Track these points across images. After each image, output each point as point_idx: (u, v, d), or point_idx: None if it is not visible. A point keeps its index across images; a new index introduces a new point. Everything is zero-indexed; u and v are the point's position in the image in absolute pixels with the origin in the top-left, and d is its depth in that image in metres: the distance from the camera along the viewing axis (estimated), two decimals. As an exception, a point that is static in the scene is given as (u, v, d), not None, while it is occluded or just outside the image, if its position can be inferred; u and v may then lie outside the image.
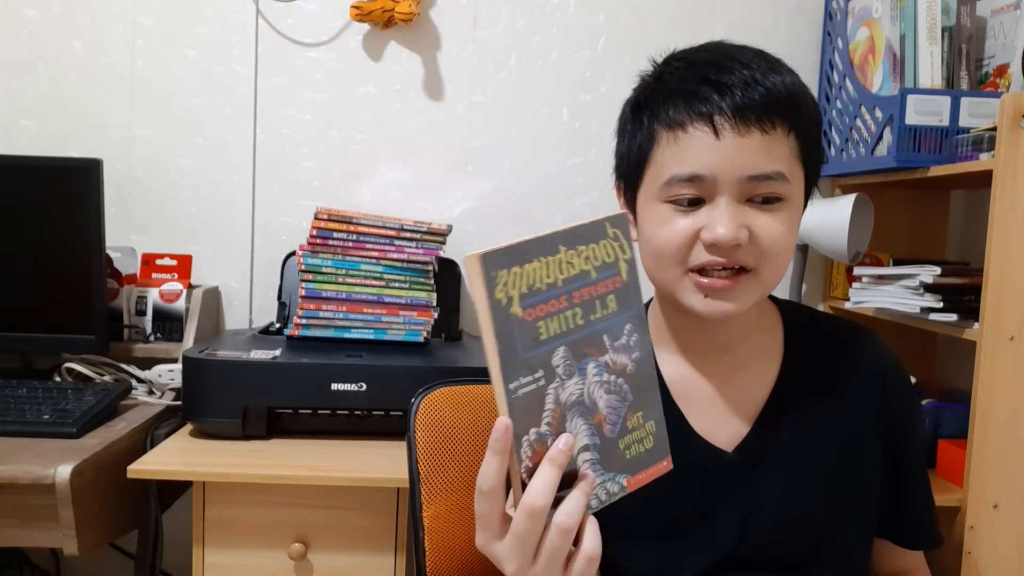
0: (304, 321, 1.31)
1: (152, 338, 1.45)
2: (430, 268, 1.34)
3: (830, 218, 1.31)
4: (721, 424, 0.78)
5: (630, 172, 0.76)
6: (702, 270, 0.71)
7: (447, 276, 1.51)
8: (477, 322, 0.52)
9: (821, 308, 1.61)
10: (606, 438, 0.57)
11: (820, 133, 0.76)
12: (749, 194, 0.70)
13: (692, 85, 0.70)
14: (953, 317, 1.17)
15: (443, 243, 1.36)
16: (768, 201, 0.70)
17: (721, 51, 0.73)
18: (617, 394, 0.58)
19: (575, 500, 0.55)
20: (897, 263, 1.38)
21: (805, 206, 0.77)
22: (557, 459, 0.54)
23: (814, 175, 0.76)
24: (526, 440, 0.53)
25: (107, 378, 1.37)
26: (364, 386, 1.18)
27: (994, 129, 1.09)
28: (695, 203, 0.71)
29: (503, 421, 0.53)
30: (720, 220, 0.69)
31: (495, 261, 0.51)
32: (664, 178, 0.71)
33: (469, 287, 0.52)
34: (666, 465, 0.62)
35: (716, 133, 0.68)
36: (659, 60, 0.77)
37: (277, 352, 1.22)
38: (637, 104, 0.76)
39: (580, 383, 0.56)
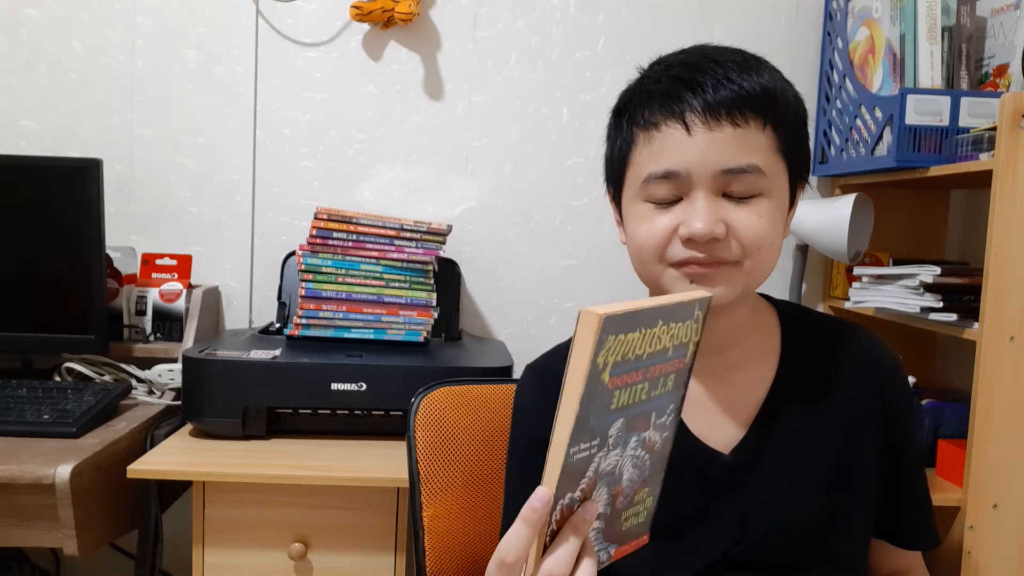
0: (304, 321, 1.31)
1: (152, 338, 1.45)
2: (430, 268, 1.34)
3: (830, 218, 1.31)
4: (718, 426, 0.78)
5: (614, 175, 0.79)
6: (682, 264, 0.72)
7: (447, 276, 1.51)
8: (564, 380, 0.49)
9: (821, 308, 1.61)
10: (615, 509, 0.57)
11: (804, 128, 0.76)
12: (725, 188, 0.71)
13: (667, 86, 0.72)
14: (953, 317, 1.17)
15: (443, 243, 1.36)
16: (746, 195, 0.71)
17: (700, 53, 0.74)
18: (639, 469, 0.57)
19: (588, 571, 0.53)
20: (897, 263, 1.38)
21: (794, 201, 0.78)
22: (582, 527, 0.53)
23: (800, 170, 0.76)
24: (560, 504, 0.52)
25: (107, 378, 1.37)
26: (364, 386, 1.18)
27: (994, 129, 1.09)
28: (673, 200, 0.72)
29: (545, 493, 0.50)
30: (696, 215, 0.70)
31: (613, 325, 0.48)
32: (642, 177, 0.73)
33: (574, 342, 0.49)
34: (645, 539, 0.61)
35: (688, 130, 0.70)
36: (645, 67, 0.78)
37: (277, 352, 1.22)
38: (619, 109, 0.78)
39: (619, 455, 0.55)
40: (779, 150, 0.72)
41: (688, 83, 0.70)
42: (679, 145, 0.70)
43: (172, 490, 1.30)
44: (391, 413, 1.21)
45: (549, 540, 0.53)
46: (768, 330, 0.82)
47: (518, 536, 0.52)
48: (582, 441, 0.51)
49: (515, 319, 1.62)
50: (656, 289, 0.76)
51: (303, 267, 1.31)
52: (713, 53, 0.73)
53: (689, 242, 0.71)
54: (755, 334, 0.81)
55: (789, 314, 0.84)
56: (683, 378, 0.59)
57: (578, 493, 0.53)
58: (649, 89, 0.73)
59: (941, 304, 1.18)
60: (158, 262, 1.51)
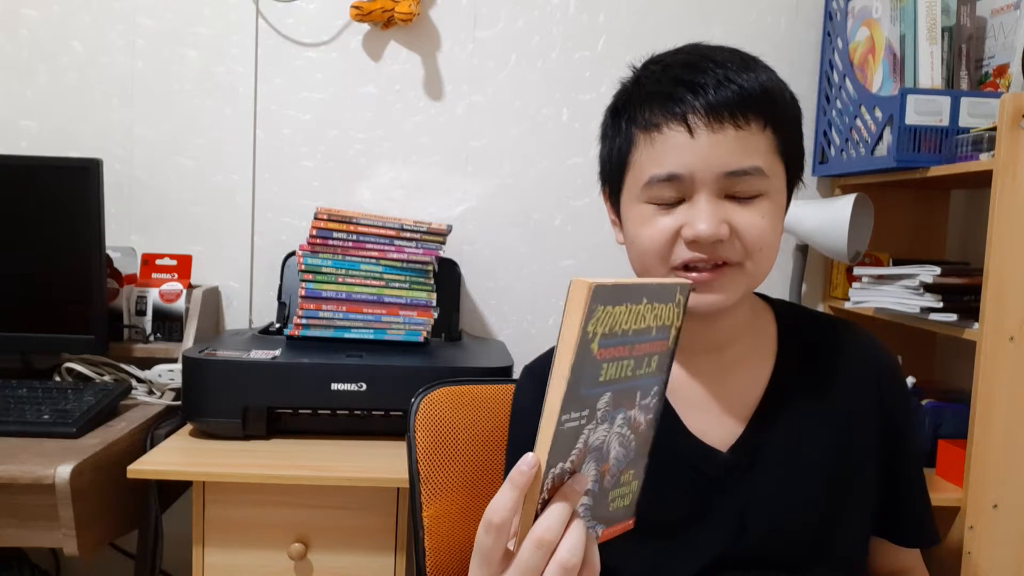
0: (304, 321, 1.31)
1: (152, 338, 1.45)
2: (430, 268, 1.34)
3: (830, 218, 1.31)
4: (716, 424, 0.78)
5: (612, 176, 0.78)
6: (686, 267, 0.72)
7: (447, 276, 1.51)
8: (555, 349, 0.51)
9: (821, 308, 1.61)
10: (603, 488, 0.58)
11: (799, 127, 0.77)
12: (728, 190, 0.71)
13: (667, 87, 0.71)
14: (953, 317, 1.17)
15: (443, 243, 1.36)
16: (748, 196, 0.71)
17: (697, 52, 0.74)
18: (625, 448, 0.59)
19: (577, 536, 0.54)
20: (897, 263, 1.38)
21: (789, 200, 0.78)
22: (572, 497, 0.54)
23: (796, 169, 0.77)
24: (552, 473, 0.53)
25: (107, 378, 1.37)
26: (364, 386, 1.18)
27: (994, 129, 1.09)
28: (676, 202, 0.72)
29: (533, 457, 0.52)
30: (699, 216, 0.70)
31: (602, 295, 0.51)
32: (643, 179, 0.72)
33: (565, 311, 0.51)
34: (631, 524, 0.63)
35: (690, 132, 0.70)
36: (639, 65, 0.78)
37: (277, 352, 1.22)
38: (616, 109, 0.77)
39: (607, 430, 0.56)
40: (778, 151, 0.73)
41: (689, 84, 0.70)
42: (682, 147, 0.70)
43: (172, 490, 1.30)
44: (391, 413, 1.21)
45: (540, 510, 0.53)
46: (764, 328, 0.82)
47: (505, 498, 0.53)
48: (572, 410, 0.52)
49: (515, 319, 1.62)
50: None
51: (303, 267, 1.31)
52: (711, 53, 0.73)
53: (693, 244, 0.71)
54: (751, 333, 0.81)
55: (785, 313, 0.84)
56: (666, 362, 0.60)
57: (568, 464, 0.54)
58: (649, 90, 0.73)
59: (941, 304, 1.18)
60: (158, 262, 1.51)
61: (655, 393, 0.60)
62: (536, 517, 0.53)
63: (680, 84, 0.71)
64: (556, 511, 0.53)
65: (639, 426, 0.59)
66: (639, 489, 0.62)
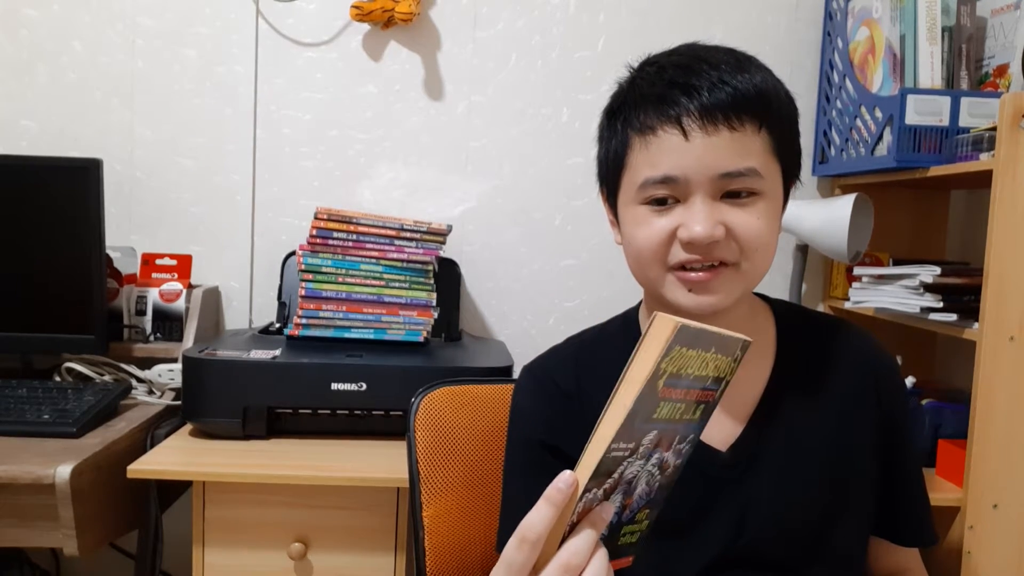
0: (304, 321, 1.31)
1: (152, 338, 1.45)
2: (430, 268, 1.34)
3: (830, 218, 1.31)
4: (715, 423, 0.78)
5: (609, 177, 0.79)
6: (682, 267, 0.72)
7: (447, 276, 1.51)
8: (623, 375, 0.51)
9: (821, 308, 1.61)
10: (620, 521, 0.58)
11: (796, 127, 0.77)
12: (723, 191, 0.71)
13: (661, 89, 0.72)
14: (953, 317, 1.17)
15: (443, 243, 1.36)
16: (743, 197, 0.71)
17: (691, 54, 0.74)
18: (650, 487, 0.59)
19: (601, 564, 0.54)
20: (897, 263, 1.38)
21: (786, 200, 0.78)
22: (599, 524, 0.54)
23: (792, 168, 0.77)
24: (586, 496, 0.53)
25: (107, 378, 1.37)
26: (364, 386, 1.18)
27: (994, 129, 1.09)
28: (671, 203, 0.72)
29: (572, 477, 0.52)
30: (695, 218, 0.70)
31: (683, 337, 0.51)
32: (639, 181, 0.73)
33: (644, 343, 0.51)
34: (629, 561, 0.63)
35: (685, 134, 0.70)
36: (635, 66, 0.78)
37: (277, 352, 1.22)
38: (612, 111, 0.78)
39: (640, 467, 0.56)
40: (773, 151, 0.73)
41: (683, 86, 0.70)
42: (676, 150, 0.70)
43: (172, 490, 1.30)
44: (391, 413, 1.21)
45: (568, 532, 0.54)
46: (764, 329, 0.82)
47: (541, 515, 0.53)
48: (623, 440, 0.52)
49: (515, 319, 1.62)
50: (653, 292, 0.77)
51: (303, 267, 1.31)
52: (705, 54, 0.73)
53: (689, 245, 0.71)
54: (751, 332, 0.80)
55: (784, 313, 0.84)
56: (709, 413, 0.60)
57: (600, 492, 0.54)
58: (643, 92, 0.73)
59: (941, 304, 1.18)
60: (158, 262, 1.51)
61: (691, 440, 0.60)
62: (564, 538, 0.53)
63: (674, 86, 0.71)
64: (585, 537, 0.53)
65: (667, 468, 0.59)
66: (648, 530, 0.62)
